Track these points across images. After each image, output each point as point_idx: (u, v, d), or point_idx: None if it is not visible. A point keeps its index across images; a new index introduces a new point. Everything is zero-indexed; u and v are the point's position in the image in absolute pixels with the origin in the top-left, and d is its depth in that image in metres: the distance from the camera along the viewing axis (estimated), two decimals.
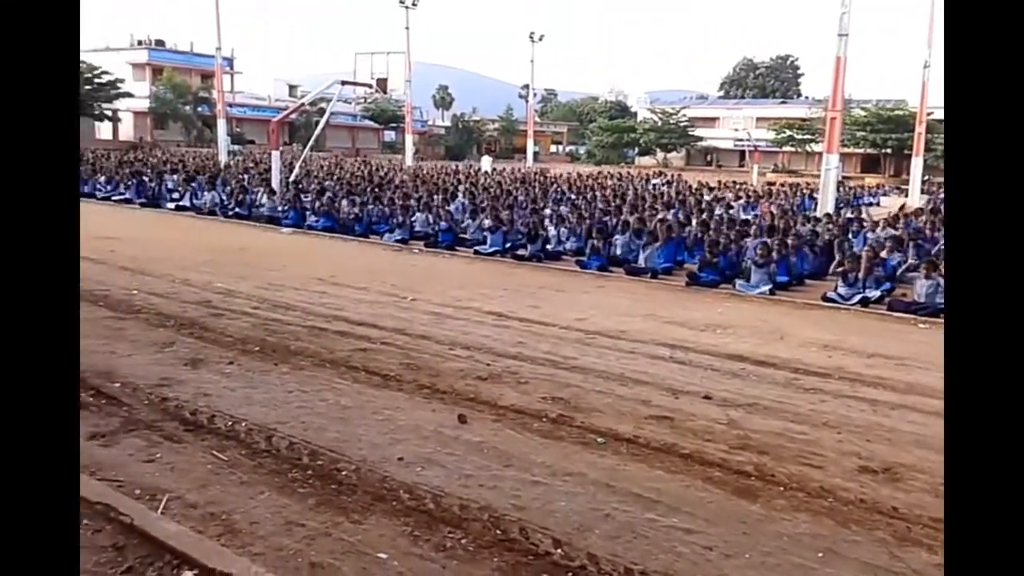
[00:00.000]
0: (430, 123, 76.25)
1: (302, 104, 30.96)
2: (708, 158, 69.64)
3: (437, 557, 3.57)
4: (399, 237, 15.45)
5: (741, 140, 60.74)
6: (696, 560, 3.65)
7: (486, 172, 34.63)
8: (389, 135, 71.73)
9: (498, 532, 3.81)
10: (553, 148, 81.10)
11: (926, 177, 38.49)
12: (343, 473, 4.43)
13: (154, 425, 5.05)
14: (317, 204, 17.87)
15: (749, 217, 18.04)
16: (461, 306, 9.33)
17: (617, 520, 4.01)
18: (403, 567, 3.47)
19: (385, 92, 28.89)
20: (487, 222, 14.88)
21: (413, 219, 16.39)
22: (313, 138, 28.24)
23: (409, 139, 44.40)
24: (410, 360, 6.82)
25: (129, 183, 22.00)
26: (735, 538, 3.89)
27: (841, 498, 4.36)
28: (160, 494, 4.05)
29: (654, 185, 28.45)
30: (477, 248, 14.23)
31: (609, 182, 28.26)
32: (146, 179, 22.47)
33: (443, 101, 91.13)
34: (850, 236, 14.55)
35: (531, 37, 52.55)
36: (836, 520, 4.11)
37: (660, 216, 14.86)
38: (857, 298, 10.29)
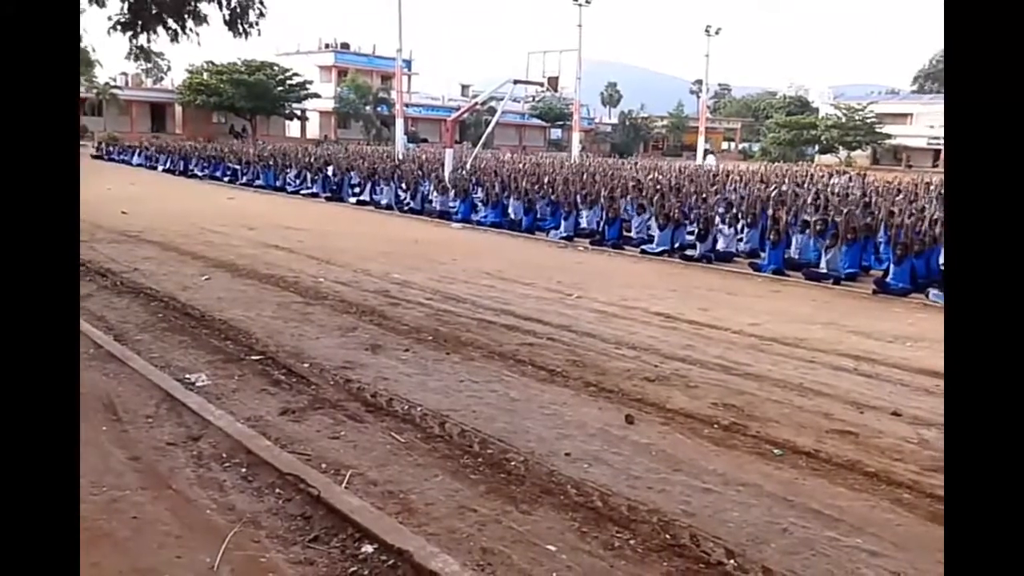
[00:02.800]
0: (597, 121, 76.20)
1: (476, 103, 31.90)
2: (897, 157, 64.65)
3: (605, 555, 3.55)
4: (564, 234, 15.54)
5: (937, 138, 55.92)
6: None
7: (710, 171, 33.40)
8: (555, 133, 72.44)
9: (667, 536, 3.73)
10: (724, 145, 78.48)
11: None
12: (512, 463, 4.50)
13: (339, 404, 5.39)
14: (485, 200, 18.35)
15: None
16: (627, 305, 9.23)
17: (795, 535, 3.81)
18: (571, 561, 3.47)
19: (556, 90, 29.19)
20: (654, 221, 14.61)
21: (579, 216, 16.42)
22: (484, 136, 29.05)
23: (576, 137, 44.62)
24: (576, 357, 6.83)
25: (315, 178, 23.64)
26: (928, 566, 3.57)
27: None
28: (344, 470, 4.31)
29: (836, 184, 26.73)
30: (644, 247, 14.04)
31: (787, 180, 26.82)
32: (331, 174, 24.04)
33: (611, 98, 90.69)
34: None
35: (707, 31, 51.03)
36: None
37: (845, 211, 13.88)
38: None
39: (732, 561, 3.52)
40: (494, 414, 5.33)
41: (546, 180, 22.92)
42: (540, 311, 8.68)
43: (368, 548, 3.48)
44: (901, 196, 21.20)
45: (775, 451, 4.86)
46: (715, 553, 3.58)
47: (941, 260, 11.14)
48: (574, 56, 31.58)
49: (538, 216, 17.20)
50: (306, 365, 6.25)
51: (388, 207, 19.94)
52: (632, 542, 3.67)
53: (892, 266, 11.01)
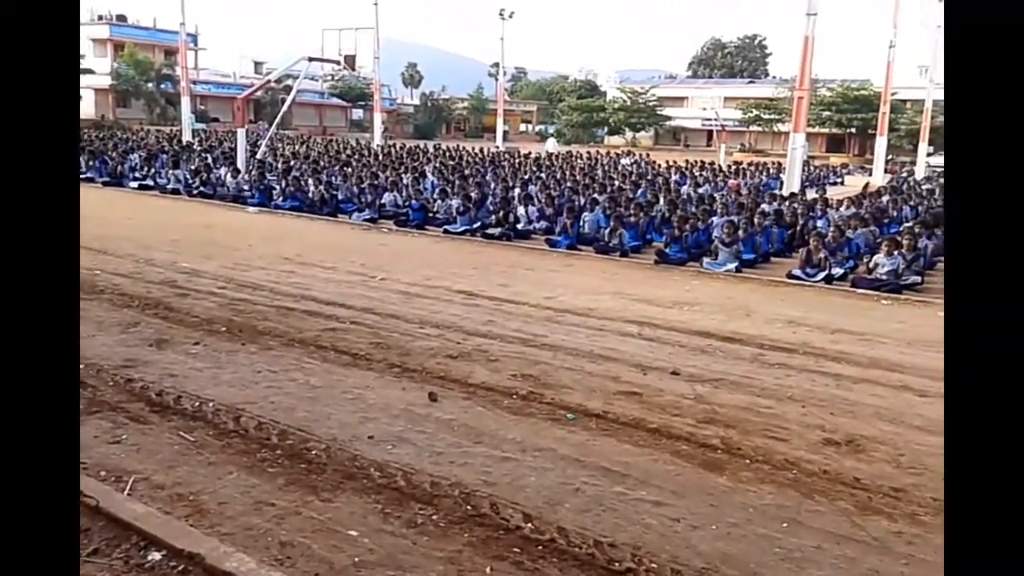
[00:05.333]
0: (399, 101, 75.59)
1: (268, 81, 30.49)
2: (676, 137, 70.00)
3: (408, 533, 3.59)
4: (368, 216, 15.34)
5: (709, 120, 61.27)
6: (664, 532, 3.71)
7: (549, 153, 34.94)
8: (357, 113, 71.01)
9: (469, 508, 3.83)
10: (523, 127, 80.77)
11: (889, 157, 39.30)
12: (313, 452, 4.41)
13: (119, 407, 4.98)
14: (283, 183, 17.66)
15: (716, 196, 18.18)
16: (431, 285, 9.31)
17: (587, 494, 4.05)
18: (373, 544, 3.48)
19: (353, 69, 28.65)
20: (456, 201, 14.81)
21: (382, 198, 16.27)
22: (279, 116, 27.74)
23: (378, 117, 43.84)
24: (380, 339, 6.80)
25: (91, 162, 21.49)
26: (702, 510, 3.96)
27: (805, 470, 4.45)
28: (126, 476, 4.01)
29: (623, 165, 28.53)
30: (447, 227, 14.18)
31: (579, 162, 28.25)
32: (108, 158, 21.96)
33: (412, 79, 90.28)
34: (815, 215, 14.75)
35: (501, 14, 52.03)
36: (800, 491, 4.19)
37: (633, 199, 14.89)
38: (821, 275, 10.45)
39: (529, 525, 3.68)
40: (294, 404, 5.18)
41: (348, 161, 22.48)
42: (342, 295, 8.53)
43: (155, 555, 3.27)
44: (679, 173, 23.03)
45: (568, 416, 5.14)
46: (514, 519, 3.73)
47: (714, 232, 12.24)
48: (371, 35, 31.06)
49: (340, 198, 16.83)
50: (80, 366, 5.70)
51: (175, 192, 18.58)
52: (435, 517, 3.74)
53: (670, 236, 11.96)
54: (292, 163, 21.77)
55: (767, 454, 4.63)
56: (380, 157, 26.55)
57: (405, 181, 17.73)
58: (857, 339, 7.51)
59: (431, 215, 15.21)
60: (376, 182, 17.28)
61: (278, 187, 17.63)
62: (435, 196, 16.20)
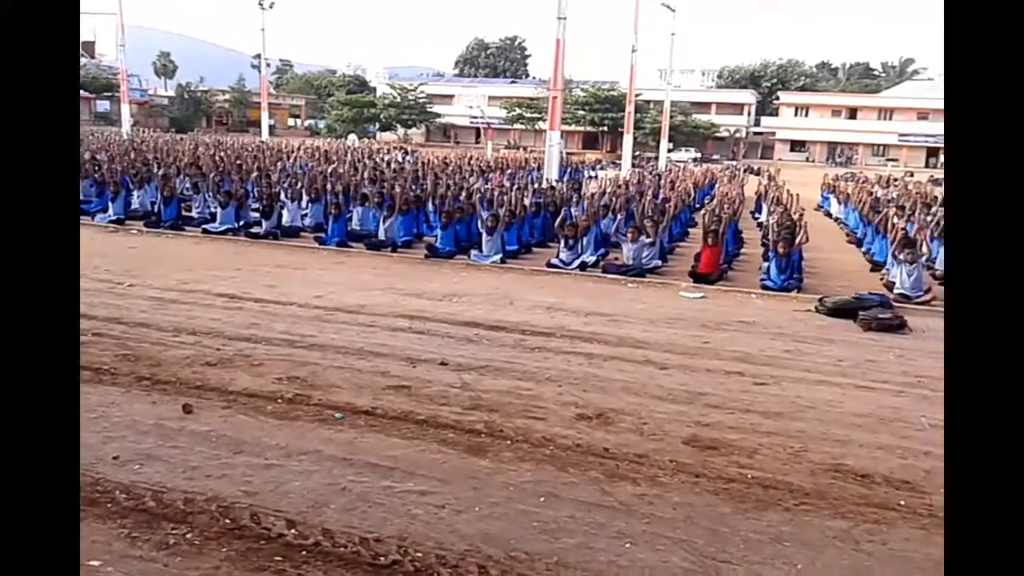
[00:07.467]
0: (151, 92, 69.79)
1: None
2: (447, 134, 71.30)
3: (159, 556, 3.37)
4: (114, 216, 14.00)
5: (476, 117, 63.20)
6: (429, 520, 3.80)
7: (348, 147, 34.60)
8: (103, 105, 64.40)
9: (227, 521, 3.67)
10: (291, 122, 77.95)
11: (636, 152, 43.11)
12: None
13: None
14: None
15: (483, 189, 18.74)
16: (188, 289, 8.73)
17: (353, 492, 4.04)
18: (119, 572, 3.23)
19: (92, 57, 26.07)
20: (215, 198, 13.97)
21: (130, 196, 14.92)
22: None
23: (126, 109, 40.20)
24: (127, 351, 6.27)
25: None
26: (466, 494, 4.10)
27: (560, 445, 4.76)
28: None
29: (395, 160, 28.52)
30: (206, 227, 13.33)
31: (348, 156, 27.82)
32: None
33: (165, 69, 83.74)
34: (570, 206, 15.71)
35: (260, 4, 49.65)
36: (556, 465, 4.48)
37: (398, 185, 14.93)
38: (576, 263, 11.20)
39: (293, 531, 3.60)
40: None
41: (88, 156, 20.34)
42: (83, 304, 7.72)
43: None
44: (449, 169, 23.49)
45: (336, 415, 5.08)
46: (276, 527, 3.63)
47: (480, 224, 12.63)
48: (113, 21, 28.39)
49: (80, 198, 15.18)
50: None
51: None
52: (189, 536, 3.54)
53: (440, 232, 12.19)
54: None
55: (526, 433, 4.90)
56: (129, 152, 24.30)
57: (157, 177, 16.38)
58: (607, 320, 8.15)
59: (187, 214, 14.22)
60: (122, 179, 15.79)
61: None
62: (190, 193, 15.15)
